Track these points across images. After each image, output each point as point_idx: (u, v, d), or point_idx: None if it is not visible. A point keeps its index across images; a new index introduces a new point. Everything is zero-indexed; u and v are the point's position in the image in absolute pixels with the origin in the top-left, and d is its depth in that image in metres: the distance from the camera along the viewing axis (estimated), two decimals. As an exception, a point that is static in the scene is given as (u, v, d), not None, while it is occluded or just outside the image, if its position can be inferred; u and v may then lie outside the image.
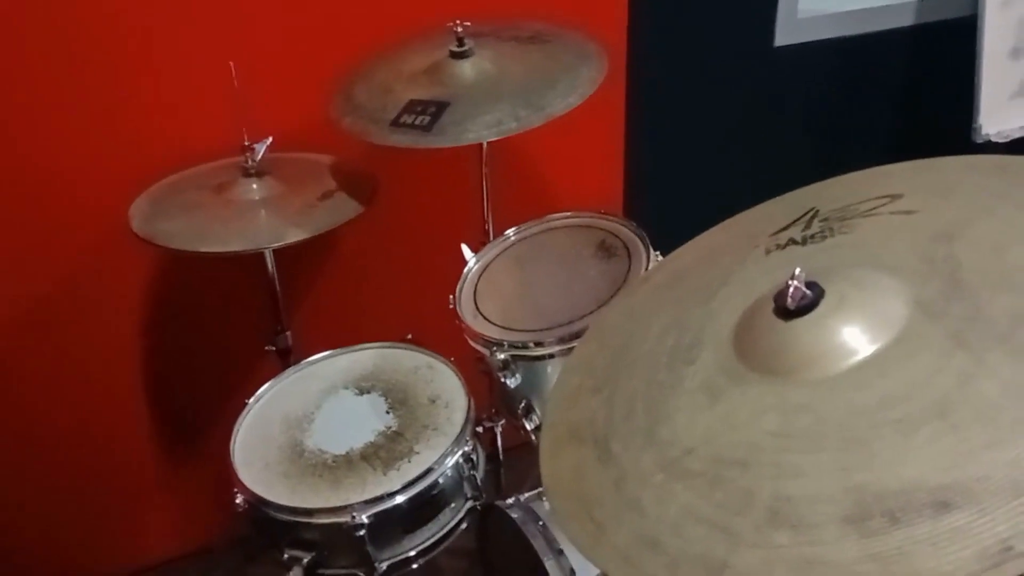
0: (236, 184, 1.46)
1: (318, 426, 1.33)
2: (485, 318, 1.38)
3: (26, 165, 1.52)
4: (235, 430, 1.33)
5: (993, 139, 2.02)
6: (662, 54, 1.91)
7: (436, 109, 1.34)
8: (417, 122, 1.33)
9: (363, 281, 1.85)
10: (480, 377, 1.42)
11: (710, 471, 0.66)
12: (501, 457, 1.63)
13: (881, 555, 0.54)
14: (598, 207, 1.53)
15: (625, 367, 0.82)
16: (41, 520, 1.81)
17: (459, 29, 1.41)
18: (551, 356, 1.31)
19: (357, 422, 1.32)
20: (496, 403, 1.48)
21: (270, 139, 1.45)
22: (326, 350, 1.45)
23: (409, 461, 1.25)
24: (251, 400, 1.38)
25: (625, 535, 0.67)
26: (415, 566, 1.26)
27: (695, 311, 0.81)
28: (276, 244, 1.40)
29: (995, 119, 2.02)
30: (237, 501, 1.24)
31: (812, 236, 0.80)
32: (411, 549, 1.25)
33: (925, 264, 0.70)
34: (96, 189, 1.56)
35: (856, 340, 0.66)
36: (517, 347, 1.32)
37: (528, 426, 1.37)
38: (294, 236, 1.38)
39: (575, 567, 1.20)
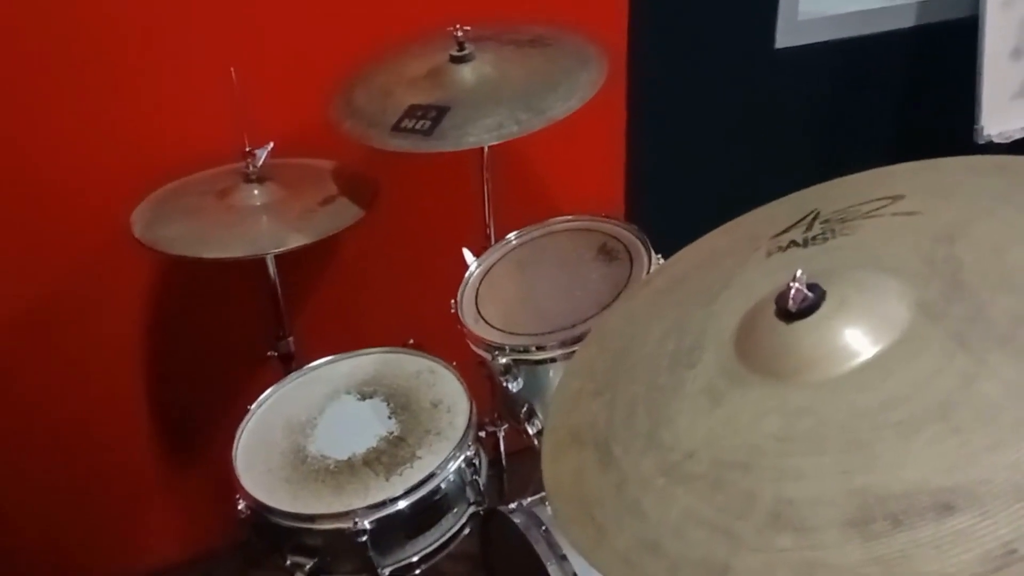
0: (237, 190, 1.46)
1: (320, 431, 1.33)
2: (487, 322, 1.38)
3: (28, 170, 1.53)
4: (237, 435, 1.33)
5: (995, 140, 2.02)
6: (662, 57, 1.91)
7: (437, 113, 1.33)
8: (418, 126, 1.33)
9: (364, 286, 1.85)
10: (482, 381, 1.42)
11: (711, 474, 0.66)
12: (504, 462, 1.63)
13: (884, 558, 0.54)
14: (599, 210, 1.53)
15: (626, 370, 0.82)
16: (43, 525, 1.81)
17: (459, 33, 1.41)
18: (553, 360, 1.31)
19: (359, 427, 1.32)
20: (498, 407, 1.48)
21: (271, 144, 1.46)
22: (328, 355, 1.45)
23: (411, 466, 1.25)
24: (253, 406, 1.38)
25: (626, 538, 0.66)
26: (418, 572, 1.25)
27: (696, 314, 0.81)
28: (277, 249, 1.40)
29: (997, 120, 2.01)
30: (239, 507, 1.24)
31: (813, 238, 0.80)
32: (414, 555, 1.25)
33: (926, 265, 0.70)
34: (98, 195, 1.56)
35: (858, 342, 0.66)
36: (519, 351, 1.32)
37: (530, 430, 1.36)
38: (295, 241, 1.38)
39: (578, 572, 1.19)
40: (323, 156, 1.58)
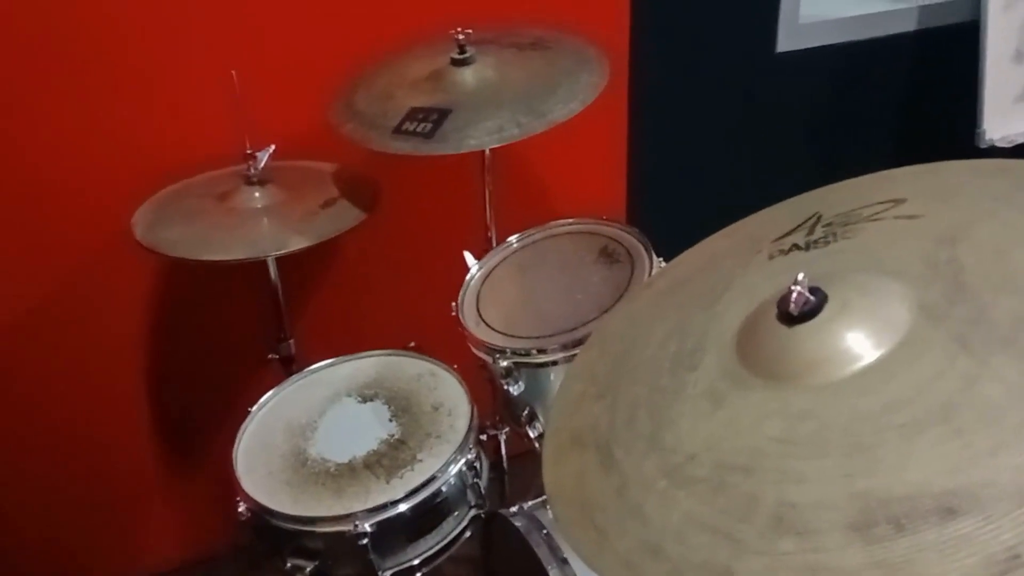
0: (238, 192, 1.46)
1: (321, 434, 1.33)
2: (488, 325, 1.38)
3: (29, 172, 1.53)
4: (238, 438, 1.32)
5: (997, 144, 2.02)
6: (664, 60, 1.91)
7: (438, 116, 1.34)
8: (419, 129, 1.33)
9: (365, 288, 1.85)
10: (483, 384, 1.41)
11: (713, 477, 0.65)
12: (505, 465, 1.63)
13: (886, 562, 0.54)
14: (601, 213, 1.53)
15: (628, 373, 0.82)
16: (43, 527, 1.81)
17: (460, 36, 1.41)
18: (554, 363, 1.31)
19: (360, 430, 1.32)
20: (499, 410, 1.47)
21: (272, 147, 1.46)
22: (329, 358, 1.45)
23: (412, 469, 1.25)
24: (254, 408, 1.37)
25: (627, 542, 0.66)
26: (419, 575, 1.25)
27: (698, 317, 0.81)
28: (278, 252, 1.40)
29: (999, 124, 2.01)
30: (240, 509, 1.24)
31: (815, 241, 0.80)
32: (415, 558, 1.24)
33: (928, 268, 0.69)
34: (99, 197, 1.56)
35: (859, 345, 0.65)
36: (520, 354, 1.31)
37: (531, 433, 1.36)
38: (296, 244, 1.38)
39: None
40: (324, 158, 1.58)
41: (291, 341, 1.61)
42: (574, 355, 1.22)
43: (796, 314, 0.68)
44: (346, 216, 1.44)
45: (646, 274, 1.36)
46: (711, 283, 0.84)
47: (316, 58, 1.59)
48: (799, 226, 0.83)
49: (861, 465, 0.59)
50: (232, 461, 1.29)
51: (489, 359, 1.34)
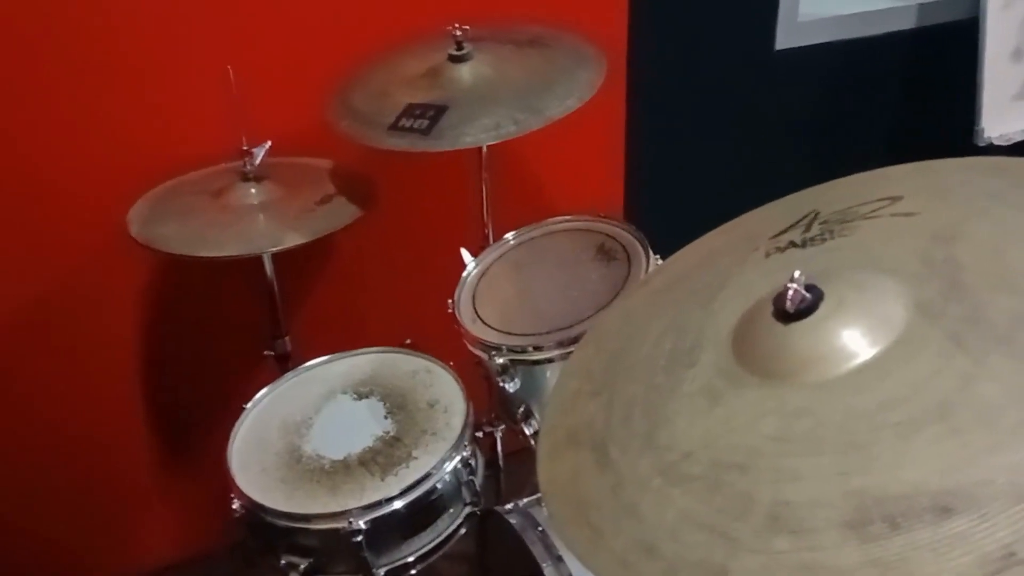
0: (234, 188, 1.46)
1: (316, 431, 1.32)
2: (484, 322, 1.37)
3: (24, 169, 1.52)
4: (232, 435, 1.32)
5: (995, 142, 2.02)
6: (662, 57, 1.91)
7: (435, 113, 1.33)
8: (415, 126, 1.32)
9: (362, 285, 1.84)
10: (479, 382, 1.41)
11: (709, 475, 0.65)
12: (501, 463, 1.63)
13: (882, 561, 0.53)
14: (598, 210, 1.53)
15: (624, 371, 0.81)
16: (37, 526, 1.80)
17: (458, 33, 1.40)
18: (550, 360, 1.31)
19: (355, 427, 1.32)
20: (495, 408, 1.47)
21: (269, 143, 1.45)
22: (325, 355, 1.45)
23: (407, 466, 1.24)
24: (249, 405, 1.37)
25: (623, 540, 0.66)
26: (413, 572, 1.25)
27: (694, 314, 0.80)
28: (274, 248, 1.39)
29: (997, 122, 2.01)
30: (234, 507, 1.23)
31: (812, 239, 0.80)
32: (409, 555, 1.24)
33: (925, 266, 0.69)
34: (94, 194, 1.55)
35: (855, 343, 0.65)
36: (516, 351, 1.31)
37: (527, 431, 1.36)
38: (292, 240, 1.37)
39: (574, 574, 1.19)
40: (321, 155, 1.58)
41: (287, 338, 1.61)
42: (570, 352, 1.22)
43: (792, 312, 0.68)
44: (342, 213, 1.44)
45: (643, 271, 1.36)
46: (707, 280, 0.84)
47: (313, 54, 1.58)
48: (796, 223, 0.83)
49: (857, 463, 0.59)
50: (227, 458, 1.28)
51: (485, 356, 1.34)
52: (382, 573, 1.22)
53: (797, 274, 0.68)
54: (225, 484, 1.26)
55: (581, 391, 0.83)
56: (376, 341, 1.46)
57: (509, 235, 1.53)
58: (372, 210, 1.46)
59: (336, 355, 1.45)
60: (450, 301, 1.41)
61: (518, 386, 1.32)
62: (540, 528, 1.24)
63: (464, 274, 1.46)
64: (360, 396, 1.38)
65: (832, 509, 0.57)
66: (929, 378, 0.61)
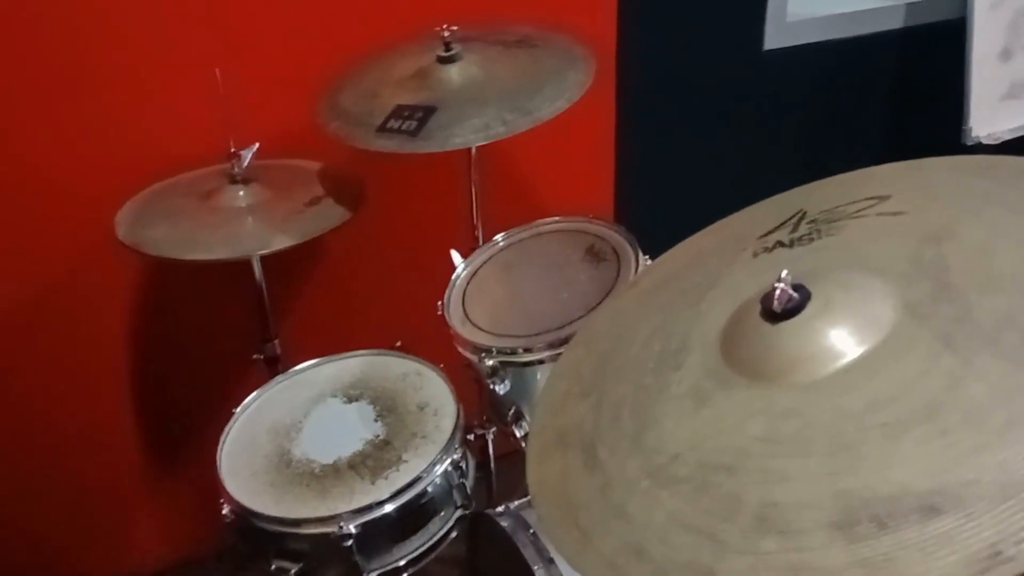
0: (222, 191, 1.45)
1: (306, 435, 1.32)
2: (474, 324, 1.37)
3: (11, 171, 1.51)
4: (222, 439, 1.31)
5: (983, 141, 2.02)
6: (652, 58, 1.91)
7: (423, 114, 1.33)
8: (404, 127, 1.32)
9: (351, 288, 1.84)
10: (470, 384, 1.41)
11: (696, 477, 0.65)
12: (492, 465, 1.62)
13: (869, 561, 0.53)
14: (587, 212, 1.52)
15: (612, 372, 0.81)
16: (27, 528, 1.79)
17: (446, 34, 1.40)
18: (540, 362, 1.30)
19: (345, 430, 1.31)
20: (486, 410, 1.47)
21: (256, 145, 1.45)
22: (314, 358, 1.44)
23: (398, 470, 1.24)
24: (238, 409, 1.36)
25: (611, 542, 0.66)
26: (404, 576, 1.25)
27: (682, 315, 0.80)
28: (263, 251, 1.39)
29: (985, 121, 2.02)
30: (224, 511, 1.23)
31: (799, 238, 0.80)
32: (400, 559, 1.23)
33: (913, 266, 0.69)
34: (81, 196, 1.54)
35: (843, 343, 0.65)
36: (506, 353, 1.31)
37: (517, 433, 1.36)
38: (281, 243, 1.37)
39: (565, 576, 1.19)
40: (309, 157, 1.57)
41: (276, 341, 1.60)
42: (560, 354, 1.22)
43: (780, 311, 0.68)
44: (331, 215, 1.43)
45: (632, 272, 1.36)
46: (696, 281, 0.84)
47: (301, 56, 1.58)
48: (784, 223, 0.83)
49: (844, 464, 0.59)
50: (216, 462, 1.27)
51: (475, 358, 1.33)
52: (373, 577, 1.21)
53: (784, 274, 0.68)
54: (215, 488, 1.25)
55: (571, 392, 0.83)
56: (366, 344, 1.45)
57: (499, 236, 1.53)
58: (361, 212, 1.45)
59: (325, 358, 1.44)
60: (440, 303, 1.40)
61: (508, 388, 1.32)
62: (531, 531, 1.24)
63: (454, 276, 1.46)
64: (350, 399, 1.37)
65: (820, 510, 0.57)
66: (917, 378, 0.61)
